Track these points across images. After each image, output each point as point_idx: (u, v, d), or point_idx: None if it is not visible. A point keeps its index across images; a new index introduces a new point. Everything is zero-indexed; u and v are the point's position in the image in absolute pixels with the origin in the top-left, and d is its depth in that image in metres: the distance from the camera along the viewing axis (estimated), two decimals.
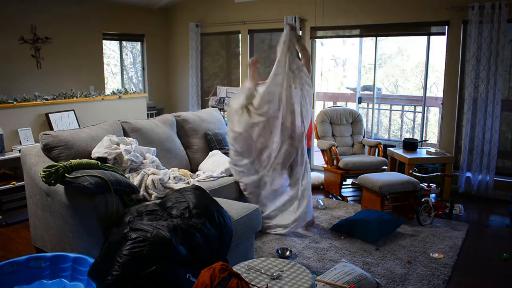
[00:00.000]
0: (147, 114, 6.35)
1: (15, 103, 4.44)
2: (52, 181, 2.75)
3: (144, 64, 7.55)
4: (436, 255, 3.45)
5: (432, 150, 4.98)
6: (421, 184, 4.31)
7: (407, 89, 9.28)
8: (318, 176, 5.44)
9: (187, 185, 3.35)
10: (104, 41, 6.84)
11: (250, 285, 2.18)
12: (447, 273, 3.15)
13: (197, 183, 3.47)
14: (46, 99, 4.74)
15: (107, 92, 5.86)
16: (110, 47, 8.27)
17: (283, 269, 2.41)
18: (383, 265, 3.26)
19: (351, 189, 5.34)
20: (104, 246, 2.46)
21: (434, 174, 4.50)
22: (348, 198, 4.94)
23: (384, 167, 5.13)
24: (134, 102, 5.69)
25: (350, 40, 7.06)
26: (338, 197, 4.97)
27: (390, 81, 9.57)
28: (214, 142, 4.44)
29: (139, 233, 2.35)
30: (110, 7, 6.74)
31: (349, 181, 5.38)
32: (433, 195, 4.75)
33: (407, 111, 7.00)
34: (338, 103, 6.77)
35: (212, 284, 2.03)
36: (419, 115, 5.97)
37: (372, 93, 6.10)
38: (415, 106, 6.58)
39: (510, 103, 4.97)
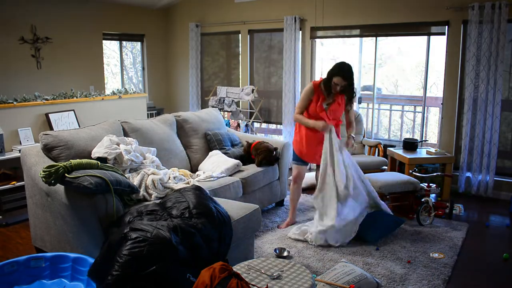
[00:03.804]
0: (147, 114, 6.35)
1: (15, 103, 4.44)
2: (52, 181, 2.75)
3: (144, 64, 7.56)
4: (436, 255, 3.45)
5: (432, 150, 4.98)
6: (421, 184, 4.31)
7: (407, 89, 9.27)
8: None
9: (187, 185, 3.34)
10: (104, 41, 6.84)
11: (250, 285, 2.18)
12: (447, 273, 3.15)
13: (197, 183, 3.47)
14: (46, 99, 4.74)
15: (107, 92, 5.86)
16: (110, 47, 8.27)
17: (283, 269, 2.41)
18: (383, 265, 3.26)
19: None
20: (104, 246, 2.46)
21: (434, 174, 4.50)
22: None
23: (384, 167, 5.13)
24: (134, 102, 5.69)
25: (350, 40, 7.05)
26: None
27: (390, 81, 9.56)
28: (214, 142, 4.44)
29: (139, 233, 2.35)
30: (110, 7, 6.75)
31: None
32: (433, 195, 4.75)
33: (407, 111, 6.99)
34: None
35: (212, 284, 2.03)
36: (419, 115, 5.97)
37: (372, 93, 6.10)
38: (415, 106, 6.58)
39: (510, 103, 4.97)
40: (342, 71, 3.52)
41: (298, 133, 3.87)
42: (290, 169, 6.14)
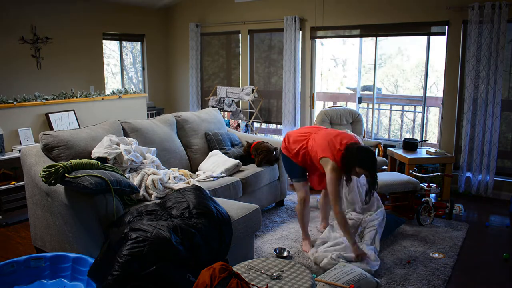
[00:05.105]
0: (147, 114, 6.35)
1: (15, 103, 4.44)
2: (52, 181, 2.75)
3: (144, 64, 7.55)
4: (436, 255, 3.45)
5: (432, 150, 4.98)
6: (421, 184, 4.31)
7: (407, 89, 9.28)
8: None
9: (187, 185, 3.34)
10: (104, 41, 6.84)
11: (250, 285, 2.18)
12: (447, 273, 3.15)
13: (197, 183, 3.47)
14: (46, 99, 4.74)
15: (107, 92, 5.86)
16: (110, 47, 8.27)
17: (283, 269, 2.41)
18: (383, 265, 3.26)
19: None
20: (104, 246, 2.46)
21: (434, 174, 4.50)
22: None
23: (384, 167, 5.13)
24: (134, 102, 5.70)
25: (350, 40, 7.06)
26: None
27: (390, 81, 9.56)
28: (214, 142, 4.44)
29: (139, 233, 2.35)
30: (110, 7, 6.74)
31: None
32: (433, 195, 4.75)
33: (407, 111, 6.99)
34: (338, 103, 6.77)
35: (212, 284, 2.03)
36: (419, 115, 5.96)
37: (372, 93, 6.10)
38: (415, 106, 6.57)
39: (510, 103, 4.96)
40: (370, 164, 3.03)
41: (299, 155, 3.39)
42: None
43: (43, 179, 2.76)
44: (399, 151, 5.08)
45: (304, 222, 3.58)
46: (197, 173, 3.99)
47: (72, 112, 4.91)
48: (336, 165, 3.10)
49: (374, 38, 5.79)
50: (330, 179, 3.12)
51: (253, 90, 6.35)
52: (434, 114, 7.05)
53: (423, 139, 5.78)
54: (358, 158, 3.02)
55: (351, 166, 3.04)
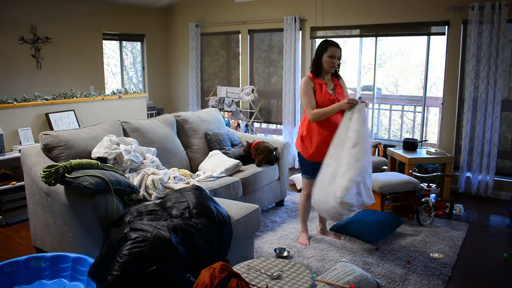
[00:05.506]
0: (147, 114, 6.35)
1: (15, 103, 4.44)
2: (52, 181, 2.75)
3: (144, 64, 7.56)
4: (436, 255, 3.45)
5: (432, 150, 4.98)
6: (421, 184, 4.31)
7: (407, 89, 9.28)
8: None
9: (187, 185, 3.34)
10: (104, 41, 6.85)
11: (250, 285, 2.18)
12: (447, 273, 3.15)
13: (197, 183, 3.47)
14: (46, 99, 4.74)
15: (107, 92, 5.86)
16: (110, 47, 8.28)
17: (283, 269, 2.41)
18: (383, 265, 3.26)
19: None
20: (104, 246, 2.46)
21: (434, 174, 4.50)
22: None
23: (384, 167, 5.12)
24: (134, 102, 5.69)
25: (350, 40, 7.05)
26: None
27: (390, 81, 9.57)
28: (214, 142, 4.44)
29: (139, 233, 2.35)
30: (110, 7, 6.75)
31: None
32: (433, 195, 4.75)
33: (407, 111, 7.00)
34: None
35: (212, 284, 2.03)
36: (419, 115, 5.97)
37: (372, 93, 6.10)
38: (415, 106, 6.58)
39: (510, 103, 4.96)
40: (331, 41, 3.37)
41: (307, 138, 3.44)
42: (291, 169, 6.16)
43: (43, 179, 2.76)
44: (399, 151, 5.08)
45: (304, 212, 3.69)
46: (197, 173, 3.99)
47: (72, 112, 4.91)
48: (306, 77, 3.42)
49: (374, 38, 5.79)
50: (300, 90, 3.44)
51: (253, 90, 6.35)
52: (434, 114, 7.05)
53: (423, 139, 5.78)
54: (323, 42, 3.40)
55: (321, 54, 3.38)
